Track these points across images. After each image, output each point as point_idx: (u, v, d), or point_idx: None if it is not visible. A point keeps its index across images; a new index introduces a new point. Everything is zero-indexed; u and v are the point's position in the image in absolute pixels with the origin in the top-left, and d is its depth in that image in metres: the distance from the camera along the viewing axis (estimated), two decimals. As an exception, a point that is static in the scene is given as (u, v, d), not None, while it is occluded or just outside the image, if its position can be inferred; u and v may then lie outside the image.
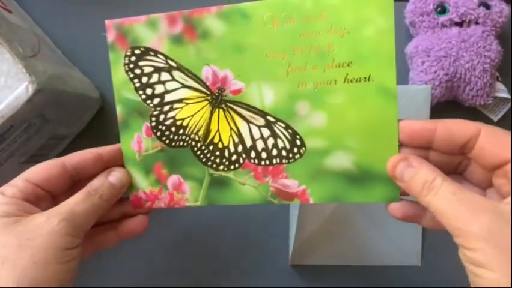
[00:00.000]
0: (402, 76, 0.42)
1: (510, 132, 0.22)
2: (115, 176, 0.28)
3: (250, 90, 0.26)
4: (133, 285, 0.39)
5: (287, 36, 0.25)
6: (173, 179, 0.28)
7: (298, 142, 0.26)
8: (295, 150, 0.26)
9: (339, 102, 0.25)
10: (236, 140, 0.27)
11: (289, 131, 0.26)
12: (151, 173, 0.28)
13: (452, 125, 0.23)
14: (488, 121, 0.41)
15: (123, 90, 0.28)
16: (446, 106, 0.40)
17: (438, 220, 0.22)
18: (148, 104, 0.28)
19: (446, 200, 0.21)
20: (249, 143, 0.27)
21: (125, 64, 0.27)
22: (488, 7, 0.39)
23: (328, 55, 0.24)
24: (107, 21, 0.27)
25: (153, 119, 0.28)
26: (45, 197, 0.27)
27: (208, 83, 0.26)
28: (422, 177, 0.22)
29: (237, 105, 0.26)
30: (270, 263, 0.40)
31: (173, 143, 0.28)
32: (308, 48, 0.25)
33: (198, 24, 0.26)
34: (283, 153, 0.26)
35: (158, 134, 0.28)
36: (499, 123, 0.41)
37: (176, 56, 0.27)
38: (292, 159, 0.26)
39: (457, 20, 0.39)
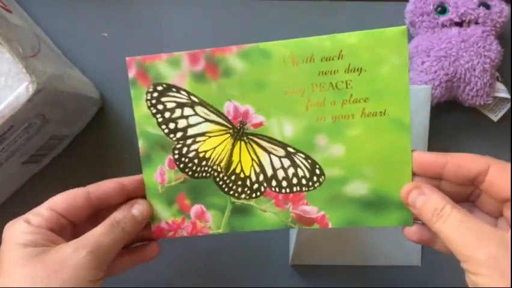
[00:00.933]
0: (402, 76, 0.42)
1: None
2: (138, 208, 0.28)
3: (270, 124, 0.27)
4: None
5: (306, 74, 0.26)
6: (196, 208, 0.29)
7: (317, 171, 0.27)
8: (315, 178, 0.27)
9: (356, 134, 0.26)
10: (257, 169, 0.28)
11: (309, 161, 0.27)
12: (174, 204, 0.29)
13: (461, 159, 0.24)
14: (488, 121, 0.41)
15: (145, 124, 0.28)
16: (446, 106, 0.40)
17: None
18: (171, 138, 0.28)
19: (455, 227, 0.22)
20: (270, 172, 0.28)
21: (147, 100, 0.28)
22: (488, 7, 0.39)
23: (346, 92, 0.26)
24: (128, 58, 0.28)
25: (176, 152, 0.28)
26: (68, 226, 0.27)
27: (230, 117, 0.28)
28: (432, 205, 0.24)
29: (258, 138, 0.28)
30: (270, 263, 0.40)
31: (196, 174, 0.29)
32: (327, 85, 0.26)
33: (220, 62, 0.27)
34: (303, 181, 0.27)
35: (181, 166, 0.29)
36: (499, 123, 0.41)
37: (199, 92, 0.27)
38: (312, 188, 0.27)
39: (457, 20, 0.39)
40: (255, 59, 0.27)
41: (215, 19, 0.43)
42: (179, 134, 0.28)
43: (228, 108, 0.27)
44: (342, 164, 0.27)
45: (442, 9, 0.39)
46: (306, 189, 0.28)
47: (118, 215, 0.27)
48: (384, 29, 0.25)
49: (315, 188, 0.27)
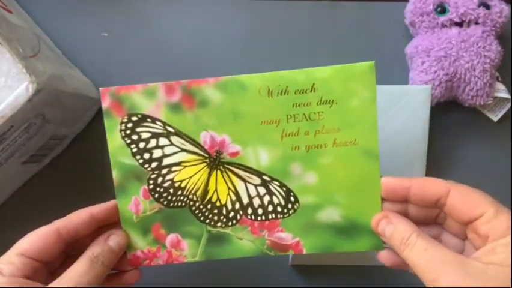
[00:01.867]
0: (402, 76, 0.42)
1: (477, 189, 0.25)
2: (114, 240, 0.28)
3: (246, 153, 0.28)
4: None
5: (281, 106, 0.27)
6: (171, 237, 0.29)
7: (292, 199, 0.28)
8: (290, 206, 0.28)
9: (329, 163, 0.27)
10: (233, 198, 0.28)
11: (284, 188, 0.28)
12: (149, 233, 0.29)
13: (424, 183, 0.26)
14: (488, 121, 0.41)
15: (119, 155, 0.28)
16: (446, 106, 0.40)
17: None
18: (146, 168, 0.28)
19: (420, 255, 0.24)
20: (246, 200, 0.28)
21: (121, 130, 0.28)
22: (488, 7, 0.39)
23: (318, 123, 0.27)
24: (101, 89, 0.28)
25: (151, 181, 0.28)
26: (41, 268, 0.26)
27: (206, 147, 0.28)
28: (399, 234, 0.25)
29: (234, 167, 0.28)
30: (270, 263, 0.40)
31: (172, 204, 0.29)
32: (300, 116, 0.27)
33: (196, 93, 0.27)
34: (279, 209, 0.28)
35: (156, 195, 0.29)
36: (499, 123, 0.41)
37: (175, 122, 0.28)
38: (287, 215, 0.28)
39: (456, 20, 0.39)
40: (231, 90, 0.27)
41: (215, 19, 0.43)
42: (154, 164, 0.28)
43: (204, 138, 0.28)
44: (316, 191, 0.28)
45: (442, 9, 0.39)
46: (281, 216, 0.28)
47: (95, 249, 0.27)
48: (354, 64, 0.27)
49: (289, 215, 0.28)
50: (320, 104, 0.27)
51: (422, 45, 0.39)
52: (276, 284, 0.40)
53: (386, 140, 0.38)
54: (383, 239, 0.27)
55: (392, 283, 0.40)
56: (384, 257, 0.28)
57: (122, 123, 0.28)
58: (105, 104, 0.28)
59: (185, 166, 0.28)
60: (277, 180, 0.28)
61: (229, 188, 0.28)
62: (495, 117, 0.41)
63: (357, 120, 0.27)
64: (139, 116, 0.28)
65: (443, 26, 0.39)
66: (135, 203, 0.29)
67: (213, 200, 0.28)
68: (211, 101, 0.27)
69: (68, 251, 0.29)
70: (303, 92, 0.27)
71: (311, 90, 0.27)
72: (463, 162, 0.42)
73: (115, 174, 0.28)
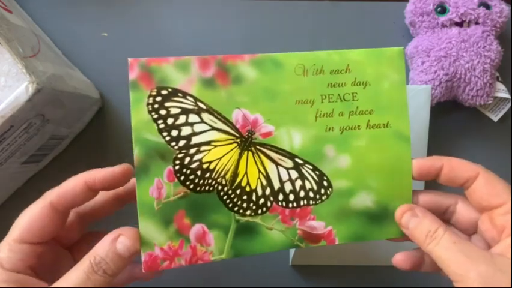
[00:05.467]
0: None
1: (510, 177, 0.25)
2: (123, 243, 0.24)
3: (279, 134, 0.27)
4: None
5: (316, 86, 0.27)
6: (196, 228, 0.26)
7: (325, 183, 0.27)
8: (323, 191, 0.27)
9: (362, 145, 0.27)
10: (264, 182, 0.27)
11: (317, 172, 0.27)
12: (171, 224, 0.26)
13: (455, 163, 0.26)
14: (488, 121, 0.41)
15: (144, 131, 0.25)
16: (446, 106, 0.40)
17: (438, 266, 0.24)
18: (173, 147, 0.26)
19: (447, 249, 0.23)
20: (277, 185, 0.27)
21: (148, 104, 0.25)
22: (488, 7, 0.39)
23: (352, 104, 0.27)
24: (130, 59, 0.26)
25: (177, 162, 0.26)
26: (48, 249, 0.24)
27: (238, 126, 0.26)
28: (426, 227, 0.25)
29: (267, 148, 0.27)
30: (270, 263, 0.40)
31: (198, 188, 0.26)
32: (335, 97, 0.27)
33: (231, 69, 0.26)
34: (311, 194, 0.27)
35: (182, 178, 0.26)
36: (499, 123, 0.41)
37: (207, 98, 0.26)
38: (320, 201, 0.27)
39: (457, 20, 0.39)
40: (266, 68, 0.26)
41: (215, 19, 0.43)
42: (182, 143, 0.26)
43: (236, 116, 0.26)
44: (349, 175, 0.27)
45: (442, 9, 0.39)
46: (314, 202, 0.27)
47: (98, 252, 0.23)
48: (384, 48, 0.27)
49: (322, 201, 0.27)
50: (354, 84, 0.27)
51: (422, 45, 0.39)
52: (276, 284, 0.40)
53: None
54: (405, 231, 0.26)
55: (392, 283, 0.40)
56: (400, 261, 0.27)
57: (150, 96, 0.25)
58: (133, 75, 0.25)
59: (216, 146, 0.26)
60: (310, 164, 0.27)
61: (260, 172, 0.27)
62: (495, 117, 0.41)
63: (389, 102, 0.27)
64: (170, 89, 0.26)
65: (443, 26, 0.39)
66: (158, 186, 0.26)
67: (243, 184, 0.27)
68: (246, 78, 0.26)
69: (85, 217, 0.27)
70: (337, 73, 0.27)
71: (346, 71, 0.27)
72: (463, 162, 0.42)
73: (137, 151, 0.25)
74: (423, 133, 0.38)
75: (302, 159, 0.27)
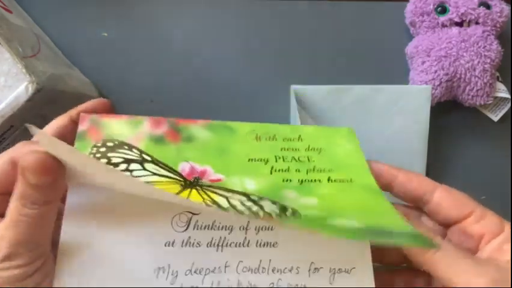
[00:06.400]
0: (402, 76, 0.42)
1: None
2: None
3: (230, 180, 0.24)
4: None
5: (269, 149, 0.26)
6: None
7: (289, 212, 0.22)
8: (287, 214, 0.22)
9: (327, 192, 0.24)
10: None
11: (277, 205, 0.22)
12: None
13: (412, 175, 0.25)
14: (488, 121, 0.41)
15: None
16: (446, 106, 0.40)
17: (438, 280, 0.22)
18: None
19: (435, 253, 0.22)
20: (225, 205, 0.23)
21: (91, 153, 0.23)
22: (488, 7, 0.39)
23: (309, 164, 0.26)
24: (82, 114, 0.24)
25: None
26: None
27: (184, 174, 0.24)
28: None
29: (215, 188, 0.23)
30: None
31: None
32: (289, 158, 0.26)
33: (183, 130, 0.25)
34: (273, 215, 0.22)
35: None
36: (499, 123, 0.41)
37: (154, 152, 0.24)
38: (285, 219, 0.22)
39: (457, 19, 0.39)
40: (220, 131, 0.26)
41: (215, 19, 0.43)
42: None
43: (183, 167, 0.24)
44: (319, 209, 0.23)
45: (442, 9, 0.39)
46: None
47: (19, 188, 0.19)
48: (334, 127, 0.28)
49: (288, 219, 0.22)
50: (308, 150, 0.26)
51: (422, 45, 0.39)
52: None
53: (386, 140, 0.38)
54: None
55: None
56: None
57: (94, 147, 0.24)
58: (82, 127, 0.24)
59: (154, 183, 0.23)
60: (267, 200, 0.23)
61: (204, 199, 0.22)
62: (495, 117, 0.41)
63: (348, 163, 0.26)
64: (116, 142, 0.24)
65: (444, 25, 0.39)
66: None
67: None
68: (198, 137, 0.25)
69: None
70: (290, 140, 0.26)
71: (298, 140, 0.27)
72: (463, 162, 0.42)
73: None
74: (423, 133, 0.38)
75: (258, 197, 0.23)
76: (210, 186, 0.23)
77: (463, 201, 0.24)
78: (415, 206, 0.26)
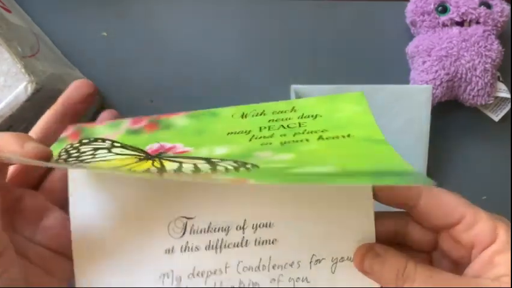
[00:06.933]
0: (403, 76, 0.42)
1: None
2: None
3: (198, 151, 0.21)
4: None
5: (255, 122, 0.23)
6: None
7: (247, 166, 0.19)
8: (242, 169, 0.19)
9: (311, 149, 0.20)
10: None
11: (238, 163, 0.20)
12: None
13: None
14: (489, 121, 0.41)
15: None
16: (447, 106, 0.40)
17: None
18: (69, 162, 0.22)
19: (425, 286, 0.20)
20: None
21: (63, 149, 0.23)
22: (489, 6, 0.39)
23: (299, 129, 0.22)
24: (69, 126, 0.25)
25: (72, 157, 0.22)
26: None
27: (149, 151, 0.22)
28: (393, 266, 0.21)
29: (174, 157, 0.21)
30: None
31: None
32: (277, 126, 0.22)
33: (163, 121, 0.24)
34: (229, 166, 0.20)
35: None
36: (500, 123, 0.41)
37: (126, 140, 0.23)
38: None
39: (457, 19, 0.39)
40: (201, 117, 0.24)
41: (215, 19, 0.43)
42: (79, 159, 0.22)
43: (151, 146, 0.22)
44: (290, 162, 0.19)
45: (443, 9, 0.39)
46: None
47: None
48: (341, 94, 0.24)
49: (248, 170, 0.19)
50: (301, 118, 0.23)
51: (423, 45, 0.39)
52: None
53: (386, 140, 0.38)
54: (370, 277, 0.22)
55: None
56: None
57: (69, 144, 0.23)
58: (65, 134, 0.24)
59: (109, 161, 0.21)
60: (230, 161, 0.20)
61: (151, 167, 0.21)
62: (496, 117, 0.41)
63: (348, 123, 0.22)
64: (91, 138, 0.23)
65: (444, 25, 0.39)
66: None
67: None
68: (176, 124, 0.24)
69: None
70: (281, 112, 0.23)
71: (291, 111, 0.23)
72: (463, 162, 0.41)
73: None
74: (424, 133, 0.38)
75: (220, 159, 0.20)
76: (169, 156, 0.21)
77: (451, 207, 0.22)
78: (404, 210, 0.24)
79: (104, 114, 0.27)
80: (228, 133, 0.22)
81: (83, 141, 0.23)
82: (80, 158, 0.22)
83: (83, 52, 0.41)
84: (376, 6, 0.43)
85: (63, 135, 0.24)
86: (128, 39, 0.42)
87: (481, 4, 0.39)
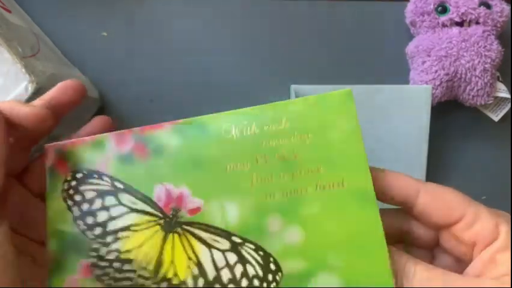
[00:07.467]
0: (403, 76, 0.42)
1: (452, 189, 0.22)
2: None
3: (210, 208, 0.22)
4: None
5: (249, 146, 0.23)
6: None
7: (272, 266, 0.22)
8: (270, 277, 0.22)
9: (314, 213, 0.22)
10: (196, 272, 0.22)
11: (261, 253, 0.22)
12: None
13: (391, 176, 0.23)
14: (489, 121, 0.41)
15: (59, 222, 0.23)
16: (446, 106, 0.40)
17: None
18: (88, 236, 0.23)
19: (423, 286, 0.20)
20: (212, 274, 0.22)
21: (63, 190, 0.23)
22: (488, 7, 0.39)
23: (294, 163, 0.23)
24: (46, 146, 0.24)
25: (93, 253, 0.23)
26: None
27: (160, 204, 0.23)
28: (392, 265, 0.21)
29: (195, 227, 0.22)
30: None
31: (117, 283, 0.22)
32: (272, 156, 0.23)
33: (150, 140, 0.23)
34: (256, 283, 0.22)
35: (98, 272, 0.23)
36: (500, 123, 0.41)
37: (124, 176, 0.23)
38: None
39: (457, 19, 0.39)
40: (190, 133, 0.23)
41: (215, 19, 0.43)
42: (98, 230, 0.23)
43: (159, 193, 0.23)
44: (302, 252, 0.22)
45: (443, 9, 0.39)
46: None
47: None
48: (328, 93, 0.23)
49: None
50: (294, 138, 0.23)
51: (422, 45, 0.39)
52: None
53: (386, 140, 0.38)
54: None
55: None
56: None
57: (65, 182, 0.23)
58: (49, 161, 0.24)
59: (136, 231, 0.23)
60: (251, 242, 0.22)
61: (189, 258, 0.22)
62: (496, 117, 0.41)
63: (340, 155, 0.22)
64: (85, 171, 0.23)
65: (444, 25, 0.39)
66: (70, 283, 0.22)
67: (169, 275, 0.22)
68: (167, 147, 0.23)
69: None
70: (270, 125, 0.23)
71: (282, 125, 0.23)
72: (463, 162, 0.41)
73: (50, 245, 0.23)
74: (424, 133, 0.38)
75: (241, 238, 0.22)
76: (190, 223, 0.22)
77: (451, 204, 0.22)
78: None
79: (96, 120, 0.26)
80: (227, 167, 0.23)
81: (77, 175, 0.23)
82: (94, 214, 0.23)
83: (83, 52, 0.41)
84: (376, 6, 0.43)
85: (48, 163, 0.24)
86: (128, 39, 0.42)
87: (480, 4, 0.39)
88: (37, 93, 0.29)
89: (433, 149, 0.39)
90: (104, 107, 0.41)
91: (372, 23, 0.43)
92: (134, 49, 0.42)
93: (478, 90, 0.38)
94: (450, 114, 0.42)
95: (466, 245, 0.22)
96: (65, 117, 0.36)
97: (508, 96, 0.39)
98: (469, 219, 0.21)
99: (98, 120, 0.26)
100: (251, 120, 0.23)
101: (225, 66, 0.42)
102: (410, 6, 0.41)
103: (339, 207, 0.22)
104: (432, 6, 0.39)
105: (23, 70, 0.29)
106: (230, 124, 0.23)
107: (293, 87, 0.38)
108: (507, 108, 0.40)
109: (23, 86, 0.29)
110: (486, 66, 0.38)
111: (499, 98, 0.40)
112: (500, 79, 0.40)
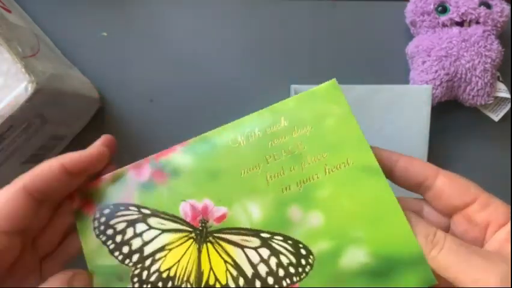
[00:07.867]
0: (403, 76, 0.42)
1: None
2: (80, 280, 0.23)
3: (234, 213, 0.24)
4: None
5: (256, 149, 0.25)
6: None
7: (303, 251, 0.23)
8: (303, 261, 0.23)
9: (329, 194, 0.24)
10: (234, 273, 0.24)
11: (289, 242, 0.24)
12: None
13: (412, 160, 0.24)
14: (489, 121, 0.41)
15: (97, 258, 0.24)
16: (446, 106, 0.40)
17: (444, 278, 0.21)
18: (127, 264, 0.24)
19: (455, 254, 0.21)
20: (250, 271, 0.24)
21: (94, 228, 0.24)
22: (489, 7, 0.39)
23: (301, 155, 0.25)
24: (73, 194, 0.25)
25: (135, 279, 0.24)
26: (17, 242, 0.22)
27: (188, 219, 0.24)
28: (422, 231, 0.22)
29: (225, 233, 0.24)
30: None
31: None
32: (280, 153, 0.25)
33: (165, 165, 0.25)
34: (291, 270, 0.23)
35: None
36: (500, 123, 0.41)
37: (149, 202, 0.25)
38: (304, 274, 0.23)
39: (457, 19, 0.39)
40: (200, 150, 0.25)
41: (215, 19, 0.43)
42: (135, 257, 0.24)
43: (184, 209, 0.24)
44: (327, 233, 0.23)
45: (443, 9, 0.39)
46: (297, 278, 0.23)
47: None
48: (315, 88, 0.25)
49: (306, 273, 0.23)
50: (295, 133, 0.25)
51: (422, 45, 0.39)
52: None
53: (387, 140, 0.38)
54: None
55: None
56: None
57: (94, 220, 0.25)
58: (75, 205, 0.25)
59: (170, 249, 0.24)
60: (278, 234, 0.24)
61: (226, 262, 0.24)
62: (496, 117, 0.41)
63: (340, 138, 0.24)
64: (111, 206, 0.25)
65: (444, 25, 0.39)
66: None
67: (211, 282, 0.24)
68: (183, 168, 0.25)
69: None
70: (273, 129, 0.25)
71: (282, 125, 0.25)
72: (463, 162, 0.41)
73: (95, 283, 0.24)
74: (424, 133, 0.38)
75: (268, 232, 0.24)
76: (219, 231, 0.24)
77: (466, 188, 0.23)
78: (417, 193, 0.25)
79: (98, 143, 0.26)
80: (241, 172, 0.25)
81: (105, 212, 0.24)
82: (128, 243, 0.24)
83: (83, 52, 0.41)
84: (376, 6, 0.43)
85: (76, 207, 0.25)
86: (128, 39, 0.42)
87: (480, 4, 0.39)
88: (37, 93, 0.29)
89: (433, 149, 0.39)
90: (104, 107, 0.41)
91: (372, 23, 0.43)
92: (134, 49, 0.42)
93: (478, 90, 0.38)
94: (450, 114, 0.42)
95: (479, 227, 0.22)
96: (66, 118, 0.36)
97: (508, 96, 0.39)
98: (483, 200, 0.22)
99: (102, 141, 0.26)
100: (253, 127, 0.25)
101: (225, 66, 0.42)
102: (410, 6, 0.41)
103: (349, 183, 0.24)
104: (432, 6, 0.39)
105: (23, 70, 0.29)
106: (235, 134, 0.25)
107: (293, 87, 0.38)
108: (507, 108, 0.40)
109: (23, 86, 0.29)
110: (486, 66, 0.38)
111: (499, 98, 0.40)
112: (501, 79, 0.40)
